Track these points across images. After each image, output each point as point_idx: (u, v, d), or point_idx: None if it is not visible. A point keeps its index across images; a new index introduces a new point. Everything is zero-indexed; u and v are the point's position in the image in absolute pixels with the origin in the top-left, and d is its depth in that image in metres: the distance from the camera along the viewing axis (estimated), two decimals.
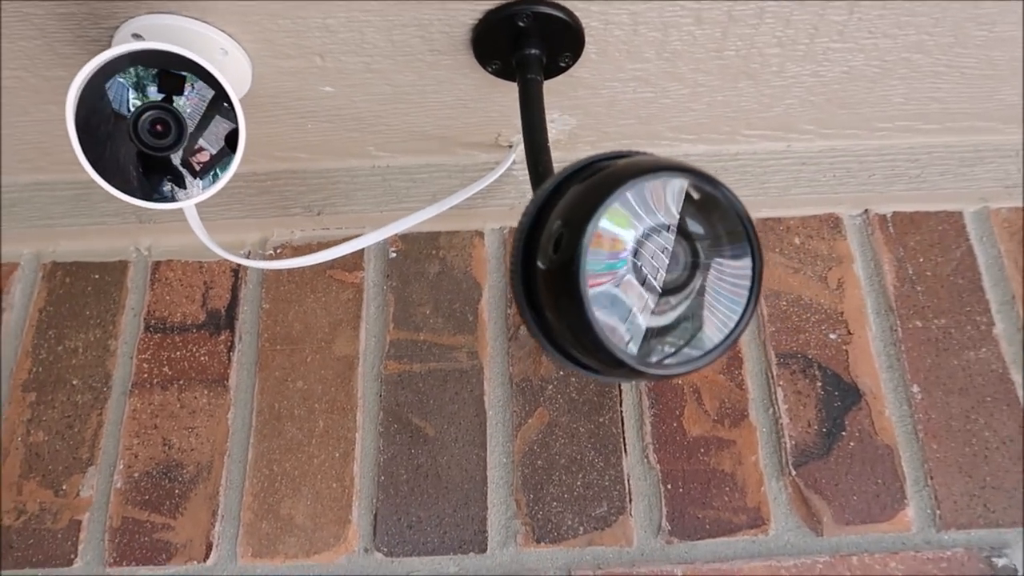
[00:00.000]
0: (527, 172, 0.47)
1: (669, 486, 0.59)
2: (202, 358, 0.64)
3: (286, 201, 0.67)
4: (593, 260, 0.31)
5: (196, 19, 0.51)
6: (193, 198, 0.45)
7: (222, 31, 0.52)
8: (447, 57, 0.55)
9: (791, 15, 0.52)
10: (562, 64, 0.55)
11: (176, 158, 0.48)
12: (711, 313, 0.33)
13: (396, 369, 0.63)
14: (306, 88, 0.58)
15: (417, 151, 0.66)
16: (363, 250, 0.67)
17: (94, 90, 0.45)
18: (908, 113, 0.63)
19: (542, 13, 0.50)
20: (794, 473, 0.59)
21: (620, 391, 0.62)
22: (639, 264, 0.32)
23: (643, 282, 0.32)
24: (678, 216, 0.33)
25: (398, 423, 0.61)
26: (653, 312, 0.33)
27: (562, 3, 0.50)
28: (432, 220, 0.62)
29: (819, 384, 0.61)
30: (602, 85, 0.58)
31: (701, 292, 0.33)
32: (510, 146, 0.65)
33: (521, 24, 0.50)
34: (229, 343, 0.64)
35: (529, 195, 0.38)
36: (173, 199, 0.46)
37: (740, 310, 0.33)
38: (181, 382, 0.63)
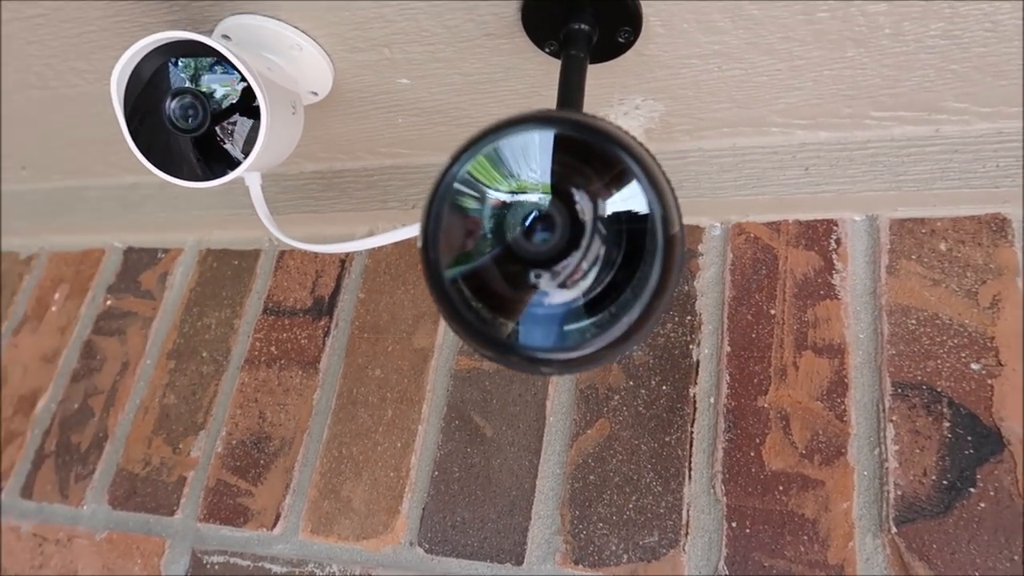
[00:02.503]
0: None
1: (734, 524, 0.50)
2: (302, 340, 0.68)
3: (387, 195, 0.69)
4: (450, 230, 0.27)
5: (271, 17, 0.55)
6: (228, 176, 0.48)
7: (295, 27, 0.55)
8: (504, 41, 0.53)
9: None
10: (621, 40, 0.50)
11: (235, 150, 0.51)
12: (606, 289, 0.28)
13: (467, 365, 0.62)
14: (384, 82, 0.59)
15: None
16: None
17: (159, 85, 0.50)
18: None
19: None
20: (895, 530, 0.47)
21: (695, 411, 0.54)
22: (510, 232, 0.28)
23: (517, 255, 0.28)
24: (550, 171, 0.27)
25: (460, 419, 0.60)
26: (534, 288, 0.28)
27: None
28: None
29: (947, 424, 0.49)
30: (680, 63, 0.52)
31: (596, 261, 0.27)
32: None
33: None
34: (326, 328, 0.68)
35: None
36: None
37: (647, 281, 0.27)
38: (282, 361, 0.68)
